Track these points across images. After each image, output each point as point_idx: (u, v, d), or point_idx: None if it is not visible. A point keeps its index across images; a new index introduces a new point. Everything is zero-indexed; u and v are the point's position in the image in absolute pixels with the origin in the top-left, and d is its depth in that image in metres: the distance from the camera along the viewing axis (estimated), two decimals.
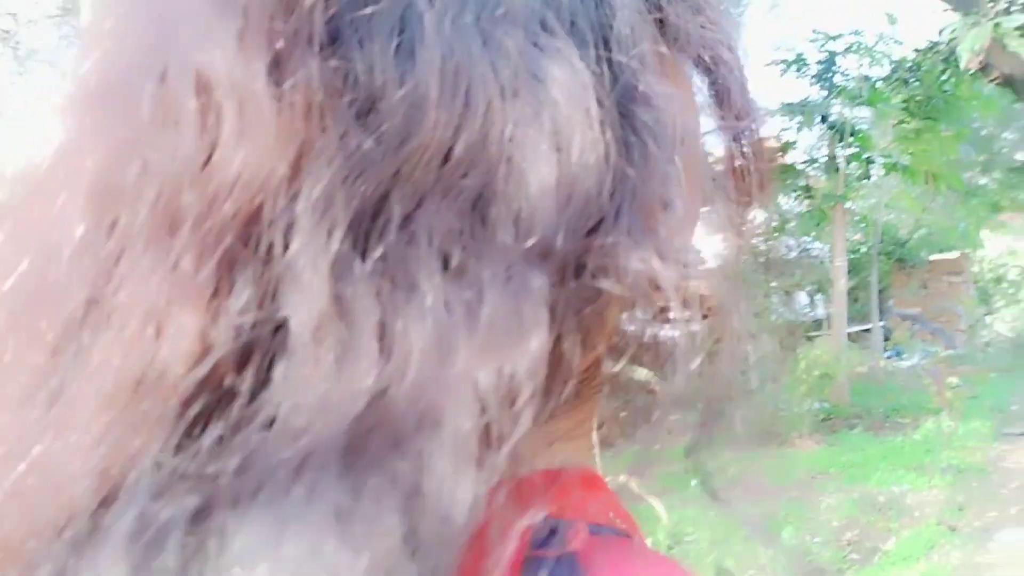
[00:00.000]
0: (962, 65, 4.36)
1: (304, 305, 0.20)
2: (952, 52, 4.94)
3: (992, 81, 5.19)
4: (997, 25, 4.01)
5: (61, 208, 0.21)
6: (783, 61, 8.13)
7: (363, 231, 0.21)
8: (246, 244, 0.21)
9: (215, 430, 0.20)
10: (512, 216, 0.22)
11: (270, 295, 0.21)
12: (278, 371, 0.20)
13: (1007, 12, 4.28)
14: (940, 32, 4.80)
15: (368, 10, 0.22)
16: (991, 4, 4.42)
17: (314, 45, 0.22)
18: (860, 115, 8.04)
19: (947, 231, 11.27)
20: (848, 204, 8.44)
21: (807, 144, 8.72)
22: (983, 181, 11.25)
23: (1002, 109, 7.29)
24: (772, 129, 11.59)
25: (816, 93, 7.84)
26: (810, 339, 7.63)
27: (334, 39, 0.22)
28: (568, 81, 0.23)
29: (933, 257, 11.58)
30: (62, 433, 0.20)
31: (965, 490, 4.32)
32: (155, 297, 0.20)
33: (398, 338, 0.20)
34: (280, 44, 0.21)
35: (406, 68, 0.22)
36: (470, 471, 0.20)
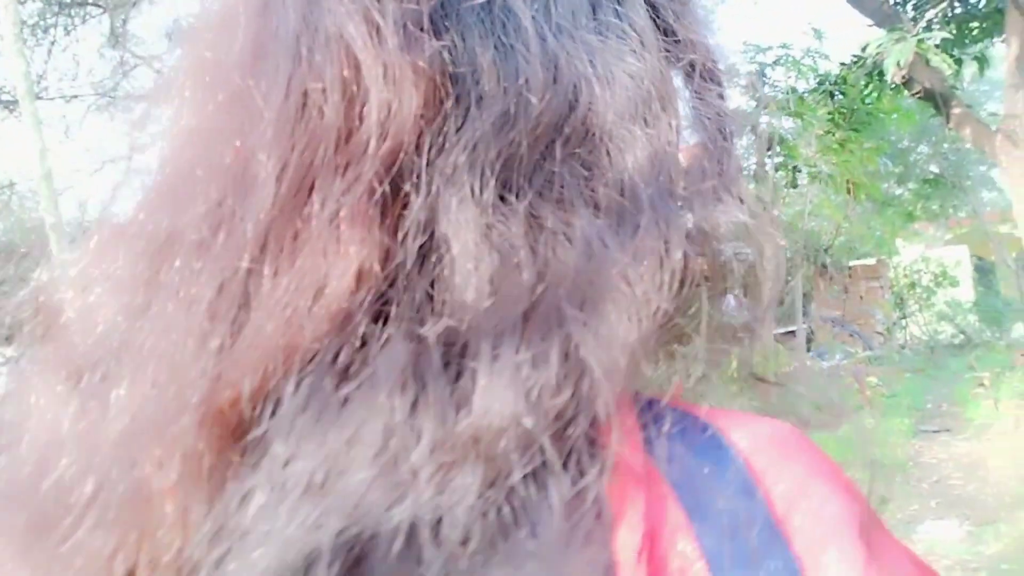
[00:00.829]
0: (887, 79, 4.58)
1: (462, 233, 0.25)
2: (876, 66, 5.17)
3: (914, 95, 5.47)
4: (920, 41, 4.22)
5: (247, 149, 0.25)
6: None
7: (502, 179, 0.26)
8: (402, 184, 0.25)
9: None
10: (618, 187, 0.27)
11: (427, 226, 0.25)
12: (441, 287, 0.25)
13: (929, 28, 4.52)
14: (864, 48, 5.02)
15: (467, 4, 0.27)
16: (913, 21, 4.66)
17: (424, 28, 0.26)
18: (787, 126, 8.33)
19: (865, 238, 11.77)
20: (775, 212, 8.71)
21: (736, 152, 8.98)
22: (899, 192, 11.82)
23: (919, 123, 7.67)
24: None
25: (746, 103, 8.07)
26: (739, 340, 7.84)
27: (436, 25, 0.27)
28: (647, 71, 0.29)
29: (853, 263, 12.08)
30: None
31: (887, 484, 4.52)
32: (331, 225, 0.24)
33: (551, 259, 0.26)
34: (404, 22, 0.26)
35: (509, 57, 0.27)
36: (629, 332, 0.25)
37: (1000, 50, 6.80)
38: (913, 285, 12.19)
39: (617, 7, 0.30)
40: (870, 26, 5.49)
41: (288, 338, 0.24)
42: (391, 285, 0.25)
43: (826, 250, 11.50)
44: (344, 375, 0.24)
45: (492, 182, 0.26)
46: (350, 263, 0.24)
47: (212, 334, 0.24)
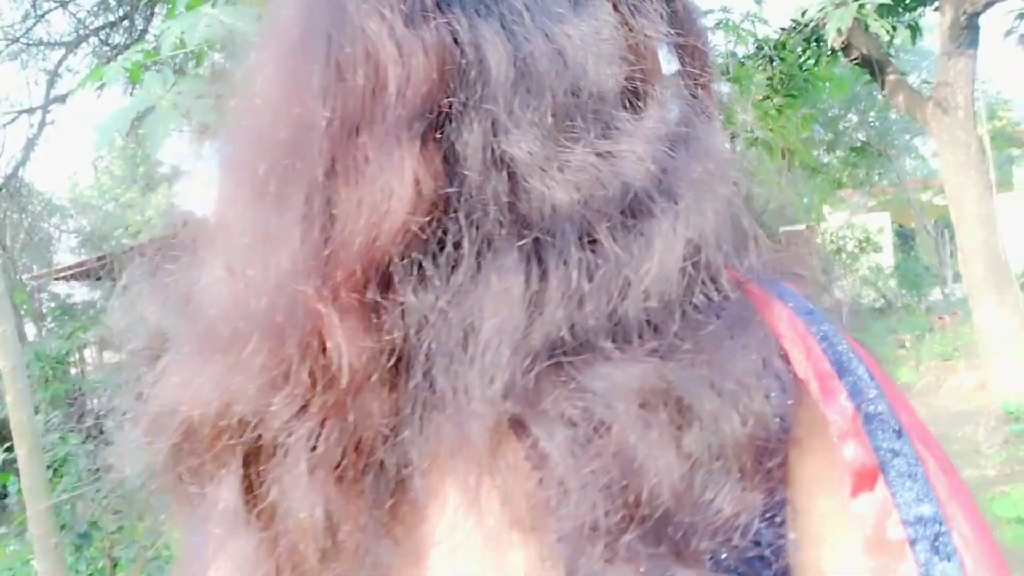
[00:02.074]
0: (827, 44, 4.62)
1: (527, 138, 0.32)
2: (815, 32, 5.22)
3: (852, 61, 5.55)
4: (861, 6, 4.26)
5: (306, 103, 0.33)
6: None
7: (543, 117, 0.33)
8: (438, 123, 0.33)
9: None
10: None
11: (484, 150, 0.32)
12: (518, 192, 0.32)
13: None
14: (803, 13, 5.04)
15: None
16: None
17: (429, 11, 0.34)
18: (724, 91, 8.40)
19: (795, 205, 12.09)
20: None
21: None
22: (827, 159, 12.14)
23: (850, 90, 7.83)
24: None
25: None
26: None
27: (442, 8, 0.34)
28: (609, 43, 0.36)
29: (783, 229, 12.39)
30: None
31: None
32: (381, 151, 0.32)
33: (622, 164, 0.33)
34: (408, 10, 0.34)
35: (510, 30, 0.34)
36: (712, 217, 0.33)
37: (930, 19, 6.97)
38: (839, 251, 12.61)
39: None
40: None
41: (370, 232, 0.31)
42: (459, 194, 0.32)
43: (759, 216, 11.75)
44: (436, 260, 0.32)
45: (537, 117, 0.33)
46: (406, 175, 0.31)
47: (310, 228, 0.32)
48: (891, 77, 5.67)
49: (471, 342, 0.30)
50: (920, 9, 6.48)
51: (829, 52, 5.44)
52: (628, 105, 0.35)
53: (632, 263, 0.30)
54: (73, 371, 7.81)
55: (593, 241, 0.31)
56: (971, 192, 5.24)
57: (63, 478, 3.25)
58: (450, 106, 0.33)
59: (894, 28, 5.21)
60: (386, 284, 0.32)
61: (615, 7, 0.37)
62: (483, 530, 0.31)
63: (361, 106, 0.33)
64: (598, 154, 0.32)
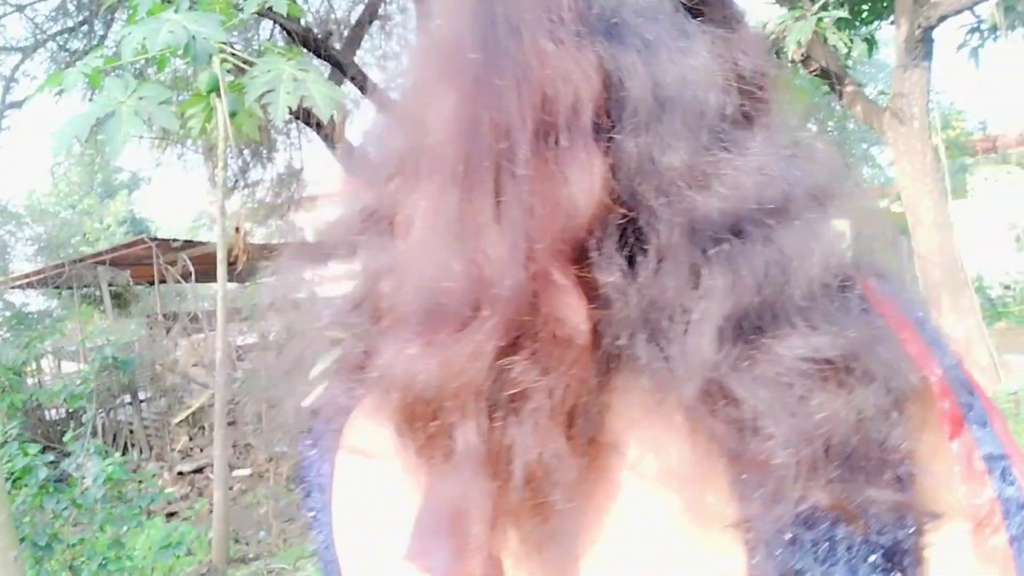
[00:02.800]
0: (788, 56, 4.71)
1: (676, 150, 0.39)
2: (774, 45, 5.32)
3: (811, 72, 5.67)
4: (820, 20, 4.36)
5: (490, 108, 0.39)
6: None
7: (689, 132, 0.40)
8: (603, 136, 0.39)
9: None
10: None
11: (643, 159, 0.39)
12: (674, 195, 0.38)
13: (825, 8, 4.67)
14: (764, 26, 5.14)
15: (614, 20, 0.42)
16: (811, 0, 4.81)
17: (587, 39, 0.40)
18: None
19: None
20: None
21: None
22: None
23: (809, 101, 7.99)
24: None
25: None
26: None
27: (595, 37, 0.40)
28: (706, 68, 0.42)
29: None
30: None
31: None
32: (572, 151, 0.38)
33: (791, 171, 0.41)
34: (575, 37, 0.40)
35: (648, 59, 0.41)
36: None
37: (886, 33, 7.13)
38: None
39: (685, 27, 0.43)
40: (770, 3, 5.64)
41: (570, 218, 0.37)
42: (631, 194, 0.39)
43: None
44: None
45: (678, 133, 0.39)
46: (596, 172, 0.38)
47: (510, 214, 0.38)
48: (849, 88, 5.81)
49: (676, 319, 0.37)
50: (877, 23, 6.66)
51: (789, 64, 5.55)
52: (742, 125, 0.42)
53: (796, 257, 0.38)
54: (30, 381, 7.61)
55: (754, 237, 0.38)
56: (927, 199, 5.39)
57: (22, 489, 3.17)
58: (610, 120, 0.39)
59: (852, 41, 5.33)
60: (585, 262, 0.38)
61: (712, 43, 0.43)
62: (676, 472, 0.38)
63: (555, 115, 0.38)
64: (734, 168, 0.39)
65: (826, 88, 5.95)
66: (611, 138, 0.39)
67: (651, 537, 0.39)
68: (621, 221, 0.38)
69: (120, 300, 12.53)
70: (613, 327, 0.38)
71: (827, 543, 0.37)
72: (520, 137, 0.38)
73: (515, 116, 0.38)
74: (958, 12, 5.14)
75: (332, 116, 8.02)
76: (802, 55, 5.13)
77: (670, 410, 0.37)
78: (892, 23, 5.72)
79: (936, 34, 5.36)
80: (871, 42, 6.26)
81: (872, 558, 0.37)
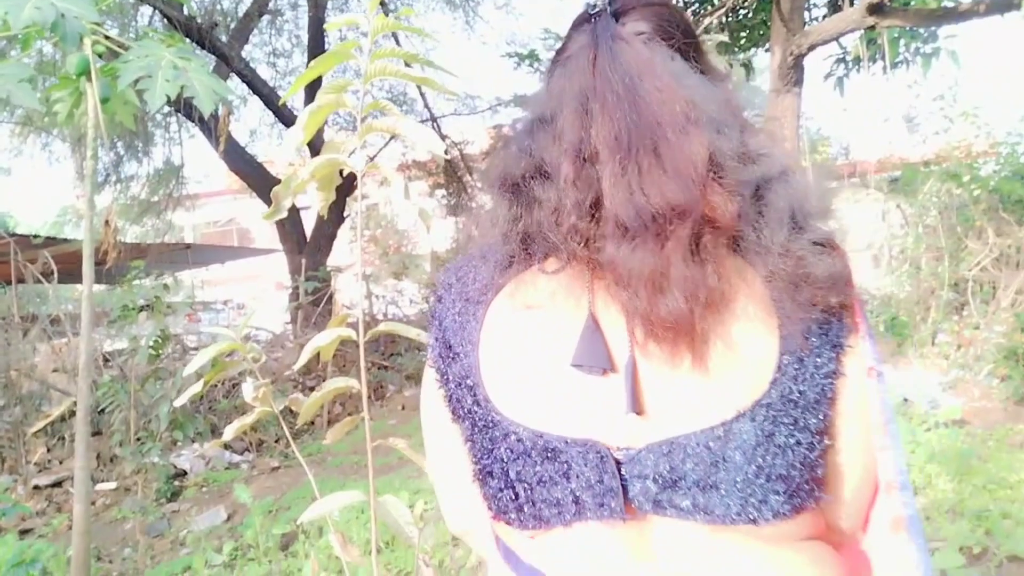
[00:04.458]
0: None
1: (730, 139, 0.69)
2: None
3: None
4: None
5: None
6: (517, 55, 8.53)
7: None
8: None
9: None
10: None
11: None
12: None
13: (707, 31, 4.91)
14: None
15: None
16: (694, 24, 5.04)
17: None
18: None
19: None
20: None
21: None
22: None
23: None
24: (506, 119, 12.18)
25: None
26: None
27: None
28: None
29: None
30: None
31: None
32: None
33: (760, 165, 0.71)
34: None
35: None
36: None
37: (761, 60, 7.57)
38: None
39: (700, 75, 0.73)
40: None
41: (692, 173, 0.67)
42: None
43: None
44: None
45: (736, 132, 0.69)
46: (701, 153, 0.67)
47: (670, 168, 0.68)
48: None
49: (760, 223, 0.69)
50: (754, 50, 7.05)
51: None
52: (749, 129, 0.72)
53: (800, 194, 0.70)
54: None
55: (778, 186, 0.69)
56: None
57: None
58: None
59: (731, 65, 5.63)
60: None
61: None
62: (751, 311, 0.70)
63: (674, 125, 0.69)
64: (760, 153, 0.70)
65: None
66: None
67: (731, 338, 0.68)
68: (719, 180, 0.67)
69: None
70: (747, 219, 0.69)
71: (816, 334, 0.69)
72: (663, 132, 0.68)
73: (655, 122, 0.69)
74: (826, 42, 5.53)
75: (216, 110, 7.69)
76: None
77: (755, 268, 0.70)
78: (767, 51, 6.08)
79: (806, 62, 5.75)
80: (748, 67, 6.63)
81: (830, 340, 0.70)
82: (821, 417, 0.68)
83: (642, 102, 0.68)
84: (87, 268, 3.84)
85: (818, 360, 0.68)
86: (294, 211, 11.24)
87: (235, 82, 10.93)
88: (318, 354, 1.33)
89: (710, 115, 0.67)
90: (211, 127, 7.93)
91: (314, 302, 8.86)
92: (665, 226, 0.65)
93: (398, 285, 11.68)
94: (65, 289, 10.69)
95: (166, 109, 10.51)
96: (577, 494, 0.70)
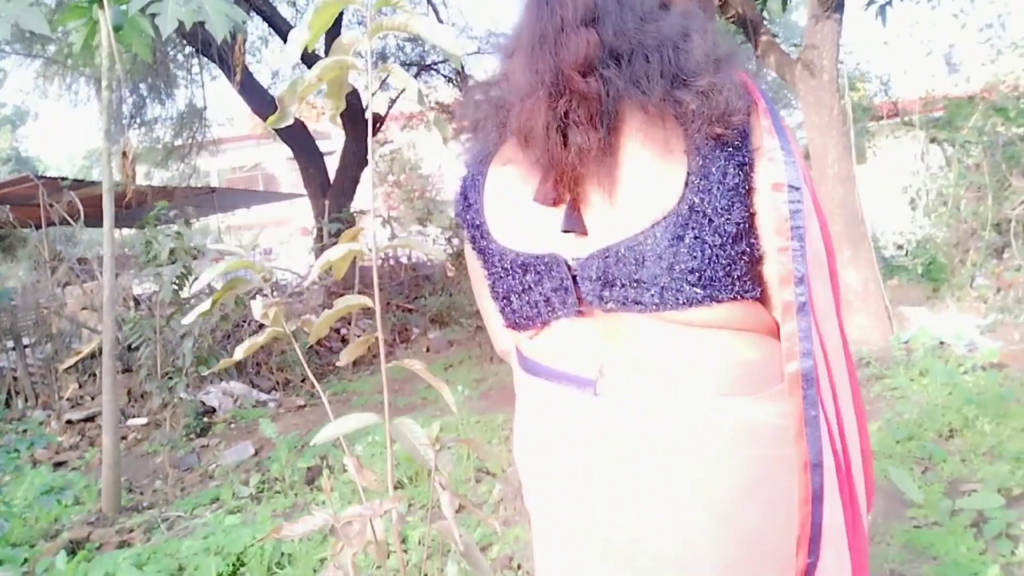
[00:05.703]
0: None
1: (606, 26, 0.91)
2: None
3: (728, 19, 5.68)
4: None
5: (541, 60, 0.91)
6: None
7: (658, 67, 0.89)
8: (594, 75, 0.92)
9: None
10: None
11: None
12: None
13: None
14: None
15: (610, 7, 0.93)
16: None
17: (592, 16, 0.91)
18: None
19: None
20: None
21: None
22: None
23: None
24: None
25: None
26: None
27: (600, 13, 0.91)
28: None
29: None
30: None
31: None
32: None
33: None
34: (580, 19, 0.90)
35: (640, 24, 0.90)
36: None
37: None
38: None
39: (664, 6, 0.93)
40: None
41: (571, 59, 0.91)
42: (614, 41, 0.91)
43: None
44: None
45: (652, 66, 0.87)
46: (586, 41, 0.88)
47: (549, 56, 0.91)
48: (764, 38, 5.86)
49: (645, 80, 0.86)
50: None
51: None
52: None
53: (684, 48, 0.87)
54: None
55: (666, 44, 0.88)
56: (832, 152, 5.53)
57: None
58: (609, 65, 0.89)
59: None
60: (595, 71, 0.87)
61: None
62: (656, 146, 0.87)
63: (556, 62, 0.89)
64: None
65: (742, 37, 5.99)
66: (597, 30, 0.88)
67: (642, 168, 0.87)
68: (609, 54, 0.87)
69: (4, 243, 11.63)
70: (612, 87, 0.86)
71: (720, 158, 0.85)
72: (550, 39, 0.89)
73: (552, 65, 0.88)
74: None
75: (234, 48, 7.50)
76: (720, 1, 5.12)
77: (650, 113, 0.86)
78: None
79: None
80: None
81: (734, 161, 0.86)
82: (735, 223, 0.85)
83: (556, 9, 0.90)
84: (107, 200, 3.81)
85: (723, 176, 0.85)
86: (318, 155, 11.15)
87: (256, 22, 10.74)
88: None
89: (604, 15, 0.88)
90: (231, 67, 7.79)
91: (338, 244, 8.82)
92: (555, 99, 0.88)
93: (423, 230, 11.61)
94: (97, 233, 10.78)
95: (187, 50, 10.39)
96: (548, 296, 0.96)
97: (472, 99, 1.03)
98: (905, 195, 8.16)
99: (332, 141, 17.85)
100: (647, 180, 0.87)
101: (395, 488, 1.34)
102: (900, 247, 8.83)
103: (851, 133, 5.74)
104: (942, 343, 5.21)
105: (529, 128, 0.89)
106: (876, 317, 5.57)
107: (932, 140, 8.10)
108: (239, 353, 1.45)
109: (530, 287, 0.97)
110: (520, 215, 0.97)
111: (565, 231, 0.91)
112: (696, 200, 0.84)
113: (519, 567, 2.69)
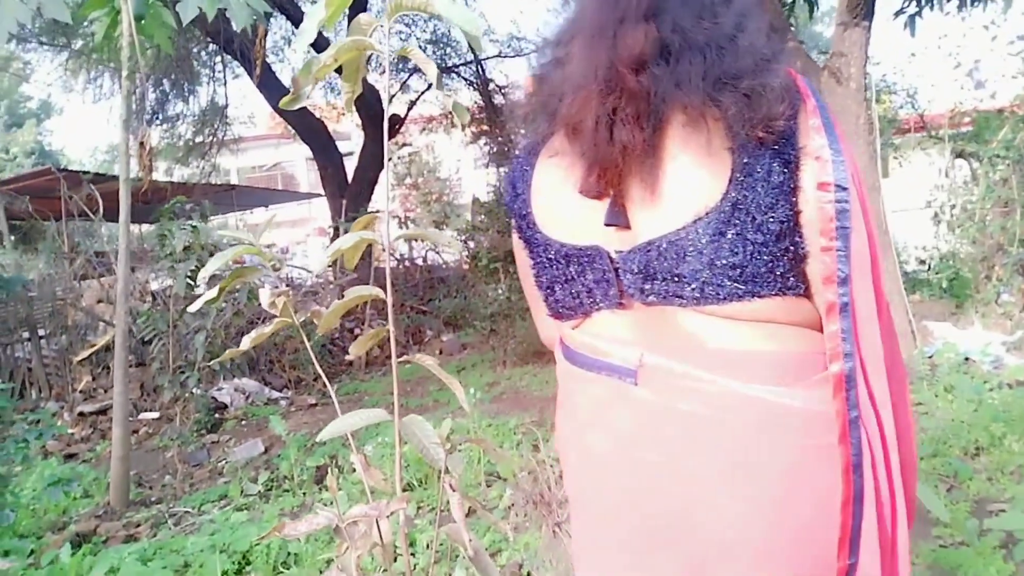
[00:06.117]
0: None
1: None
2: None
3: None
4: None
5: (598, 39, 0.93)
6: None
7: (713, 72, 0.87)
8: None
9: None
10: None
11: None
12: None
13: None
14: None
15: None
16: None
17: (651, 12, 0.89)
18: None
19: None
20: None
21: None
22: None
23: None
24: None
25: None
26: None
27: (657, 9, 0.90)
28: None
29: None
30: None
31: None
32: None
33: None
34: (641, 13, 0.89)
35: (699, 22, 0.88)
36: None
37: (825, 2, 7.10)
38: None
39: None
40: None
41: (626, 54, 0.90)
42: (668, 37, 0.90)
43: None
44: None
45: (702, 69, 0.85)
46: (641, 37, 0.88)
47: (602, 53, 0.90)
48: (790, 44, 5.77)
49: (687, 80, 0.85)
50: None
51: None
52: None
53: (730, 52, 0.86)
54: None
55: (713, 48, 0.86)
56: (858, 161, 5.42)
57: None
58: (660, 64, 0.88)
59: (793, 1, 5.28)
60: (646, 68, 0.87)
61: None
62: (699, 145, 0.87)
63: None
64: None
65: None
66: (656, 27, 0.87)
67: (685, 166, 0.87)
68: (661, 50, 0.86)
69: (24, 235, 11.72)
70: (661, 86, 0.85)
71: (765, 156, 0.85)
72: (609, 31, 0.88)
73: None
74: None
75: (255, 43, 7.47)
76: None
77: (691, 115, 0.86)
78: None
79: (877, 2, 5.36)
80: (812, 3, 6.25)
81: (780, 159, 0.85)
82: (779, 221, 0.85)
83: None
84: (123, 191, 3.79)
85: (768, 174, 0.84)
86: (337, 156, 11.15)
87: (280, 21, 10.78)
88: (357, 306, 1.21)
89: (665, 9, 0.87)
90: (253, 64, 7.80)
91: None
92: (606, 94, 0.88)
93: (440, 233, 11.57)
94: (116, 228, 10.84)
95: (210, 47, 10.43)
96: (590, 287, 0.97)
97: (526, 89, 1.04)
98: (928, 209, 8.02)
99: (352, 142, 17.88)
100: (690, 177, 0.87)
101: (404, 490, 1.28)
102: (923, 262, 8.68)
103: (877, 143, 5.63)
104: (967, 359, 5.09)
105: (578, 121, 0.90)
106: (899, 331, 5.44)
107: (959, 155, 7.96)
108: (246, 343, 1.40)
109: (573, 278, 0.99)
110: (565, 207, 0.98)
111: (608, 224, 0.93)
112: (739, 197, 0.84)
113: (529, 575, 2.62)
